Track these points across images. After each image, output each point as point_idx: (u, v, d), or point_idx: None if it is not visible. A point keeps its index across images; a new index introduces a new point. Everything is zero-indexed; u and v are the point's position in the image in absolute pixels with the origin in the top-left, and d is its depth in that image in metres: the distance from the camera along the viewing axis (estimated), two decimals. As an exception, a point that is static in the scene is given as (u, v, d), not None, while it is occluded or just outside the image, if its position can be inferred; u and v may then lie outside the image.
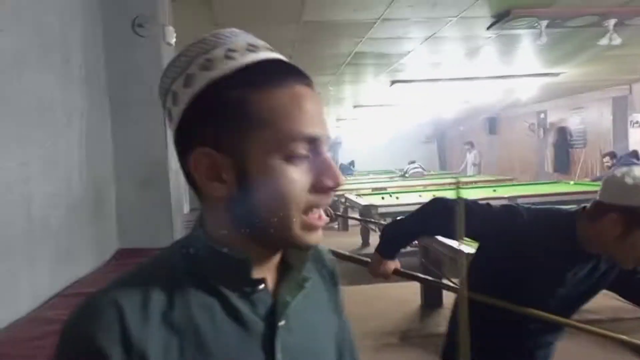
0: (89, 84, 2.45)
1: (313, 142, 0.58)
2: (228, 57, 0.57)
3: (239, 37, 0.60)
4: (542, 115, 11.08)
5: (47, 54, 2.03)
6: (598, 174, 7.56)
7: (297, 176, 0.57)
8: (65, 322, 0.57)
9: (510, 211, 1.53)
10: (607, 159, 7.33)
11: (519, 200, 5.61)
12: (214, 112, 0.57)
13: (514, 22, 3.51)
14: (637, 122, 8.61)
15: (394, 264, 1.70)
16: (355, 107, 9.90)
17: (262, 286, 0.62)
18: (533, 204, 5.46)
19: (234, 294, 0.61)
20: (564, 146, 10.33)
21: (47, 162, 1.96)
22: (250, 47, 0.59)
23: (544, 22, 3.44)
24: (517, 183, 7.86)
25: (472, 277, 1.55)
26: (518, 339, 1.59)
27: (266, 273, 0.64)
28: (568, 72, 6.77)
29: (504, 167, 12.54)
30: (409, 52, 5.15)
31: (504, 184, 7.75)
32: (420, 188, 7.63)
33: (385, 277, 1.70)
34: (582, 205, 1.48)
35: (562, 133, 10.40)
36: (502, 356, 1.58)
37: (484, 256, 1.60)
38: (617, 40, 3.61)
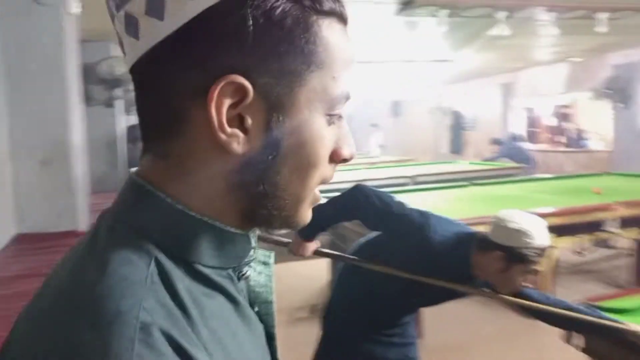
0: (-21, 54, 2.24)
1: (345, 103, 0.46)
2: None
3: None
4: (440, 99, 11.85)
5: None
6: (487, 155, 8.30)
7: (330, 141, 0.46)
8: None
9: (425, 217, 1.70)
10: (494, 147, 8.05)
11: (419, 179, 6.02)
12: (256, 31, 0.40)
13: (417, 9, 3.73)
14: (520, 107, 9.54)
15: (314, 245, 1.80)
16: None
17: (248, 270, 0.50)
18: (431, 181, 5.84)
19: (227, 282, 0.46)
20: (458, 128, 11.16)
21: None
22: None
23: (444, 12, 3.71)
24: (416, 163, 8.37)
25: (361, 255, 1.77)
26: (393, 312, 1.81)
27: None
28: (463, 58, 7.31)
29: (407, 148, 13.27)
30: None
31: (405, 163, 8.22)
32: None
33: (304, 256, 1.80)
34: (477, 232, 1.69)
35: (457, 116, 11.22)
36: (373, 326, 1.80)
37: (387, 245, 1.77)
38: (506, 31, 3.98)
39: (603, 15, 4.19)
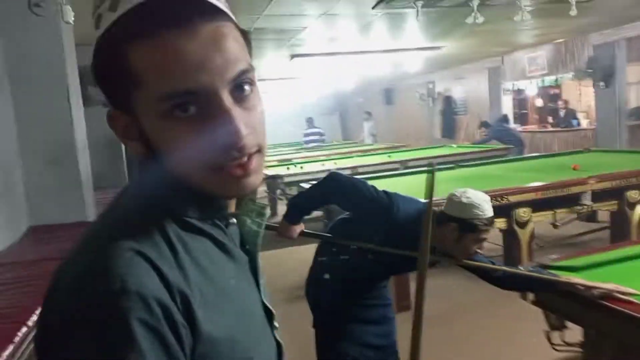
0: (-13, 64, 2.45)
1: (196, 96, 0.53)
2: (112, 8, 0.53)
3: None
4: (431, 86, 12.02)
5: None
6: (478, 138, 8.51)
7: (185, 135, 0.53)
8: (73, 283, 0.50)
9: (390, 198, 1.93)
10: (482, 129, 8.25)
11: (410, 163, 6.25)
12: (105, 70, 0.55)
13: (394, 2, 3.92)
14: (508, 90, 9.72)
15: (300, 228, 2.02)
16: (258, 80, 10.01)
17: (233, 220, 0.63)
18: (421, 165, 6.05)
19: (215, 230, 0.60)
20: (450, 113, 11.34)
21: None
22: None
23: (420, 2, 3.90)
24: (408, 149, 8.60)
25: (336, 231, 1.99)
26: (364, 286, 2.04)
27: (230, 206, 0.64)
28: (449, 45, 7.48)
29: (401, 135, 13.46)
30: (305, 27, 5.44)
31: (397, 150, 8.45)
32: (324, 158, 8.06)
33: (292, 238, 2.01)
34: (436, 209, 1.90)
35: (448, 101, 11.40)
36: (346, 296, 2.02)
37: (360, 223, 2.00)
38: (480, 19, 4.17)
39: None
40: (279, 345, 0.70)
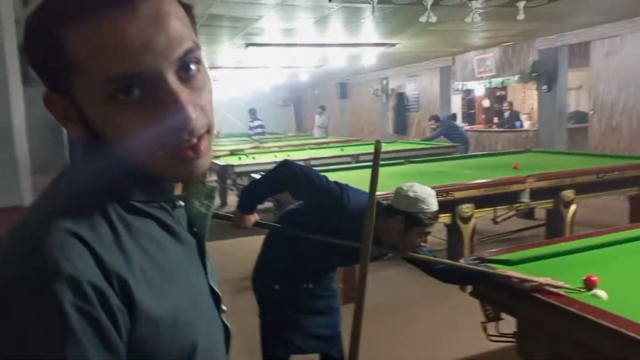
0: None
1: (141, 79, 0.51)
2: None
3: None
4: (385, 82, 12.20)
5: None
6: (428, 135, 8.74)
7: (131, 119, 0.51)
8: (6, 266, 0.48)
9: (341, 189, 1.94)
10: (432, 122, 8.48)
11: (362, 157, 6.34)
12: (38, 53, 0.52)
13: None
14: (457, 90, 10.02)
15: (253, 217, 2.00)
16: (211, 68, 9.86)
17: (181, 202, 0.63)
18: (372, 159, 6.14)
19: (161, 213, 0.59)
20: (402, 110, 11.57)
21: None
22: None
23: (375, -1, 3.95)
24: (361, 143, 8.71)
25: (285, 221, 2.01)
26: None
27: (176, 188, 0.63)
28: (402, 43, 7.62)
29: (354, 129, 13.60)
30: (261, 17, 5.38)
31: (350, 144, 8.55)
32: (276, 149, 8.03)
33: (246, 228, 1.99)
34: (382, 202, 1.94)
35: (401, 98, 11.62)
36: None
37: (309, 212, 2.02)
38: (434, 18, 4.28)
39: (521, 4, 4.56)
40: (227, 328, 0.69)
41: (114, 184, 0.56)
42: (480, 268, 1.82)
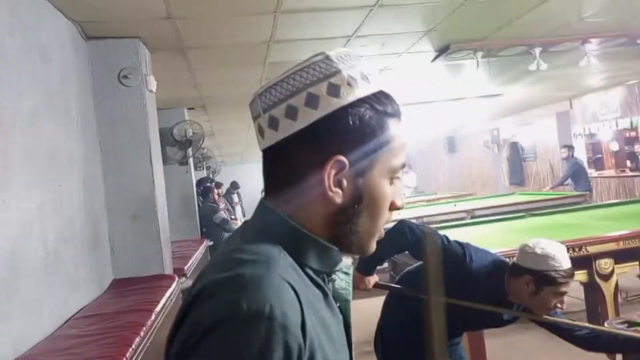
0: (84, 131, 2.74)
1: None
2: (350, 84, 0.64)
3: (353, 64, 0.66)
4: (495, 132, 11.78)
5: (53, 109, 2.33)
6: (556, 180, 8.26)
7: (390, 196, 0.68)
8: (228, 298, 0.54)
9: (463, 248, 1.91)
10: (564, 150, 7.94)
11: (477, 212, 6.08)
12: (353, 129, 0.63)
13: (453, 54, 3.99)
14: (579, 134, 9.34)
15: (373, 279, 2.02)
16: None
17: (333, 276, 0.70)
18: (489, 214, 5.87)
19: (325, 284, 0.67)
20: (517, 159, 11.00)
21: (56, 202, 2.24)
22: (364, 76, 0.66)
23: (479, 54, 3.93)
24: (474, 197, 8.39)
25: (405, 283, 1.95)
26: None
27: None
28: (512, 92, 7.38)
29: (466, 183, 13.16)
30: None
31: (463, 198, 8.26)
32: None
33: (367, 290, 2.01)
34: (508, 260, 1.87)
35: (515, 148, 11.10)
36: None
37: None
38: (544, 66, 4.13)
39: (643, 41, 4.24)
40: None
41: (295, 249, 0.63)
42: (630, 333, 1.63)
